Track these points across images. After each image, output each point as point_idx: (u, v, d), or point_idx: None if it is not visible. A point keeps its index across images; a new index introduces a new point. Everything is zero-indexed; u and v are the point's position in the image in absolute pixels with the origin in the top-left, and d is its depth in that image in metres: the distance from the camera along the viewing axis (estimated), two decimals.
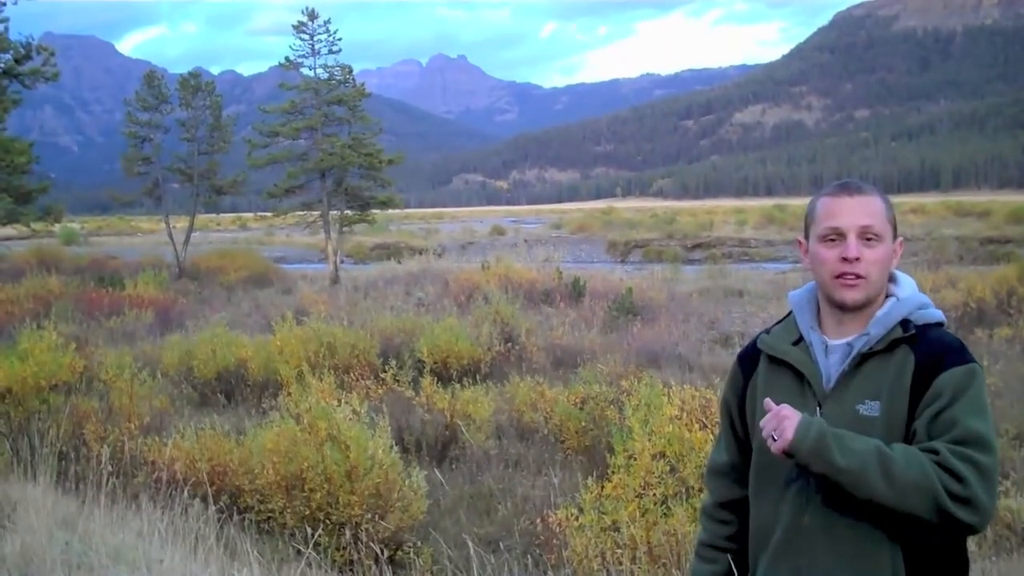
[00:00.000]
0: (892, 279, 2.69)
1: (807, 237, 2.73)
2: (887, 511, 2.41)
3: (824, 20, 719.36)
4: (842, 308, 2.63)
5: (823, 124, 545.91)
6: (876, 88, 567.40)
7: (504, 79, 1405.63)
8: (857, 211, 2.60)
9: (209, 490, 7.43)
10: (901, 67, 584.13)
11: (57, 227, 52.38)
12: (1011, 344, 17.43)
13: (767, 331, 2.85)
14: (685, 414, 7.62)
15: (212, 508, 6.76)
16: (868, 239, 2.58)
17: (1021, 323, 18.95)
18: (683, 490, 6.69)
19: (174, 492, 7.07)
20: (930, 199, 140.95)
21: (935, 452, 2.38)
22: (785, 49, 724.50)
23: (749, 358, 2.87)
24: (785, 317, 2.84)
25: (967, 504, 2.35)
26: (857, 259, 2.56)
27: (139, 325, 23.47)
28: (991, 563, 6.59)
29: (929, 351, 2.52)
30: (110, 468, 7.32)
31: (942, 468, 2.35)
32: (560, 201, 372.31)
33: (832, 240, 2.61)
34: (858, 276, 2.57)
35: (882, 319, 2.59)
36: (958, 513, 2.35)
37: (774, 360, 2.75)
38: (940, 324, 2.63)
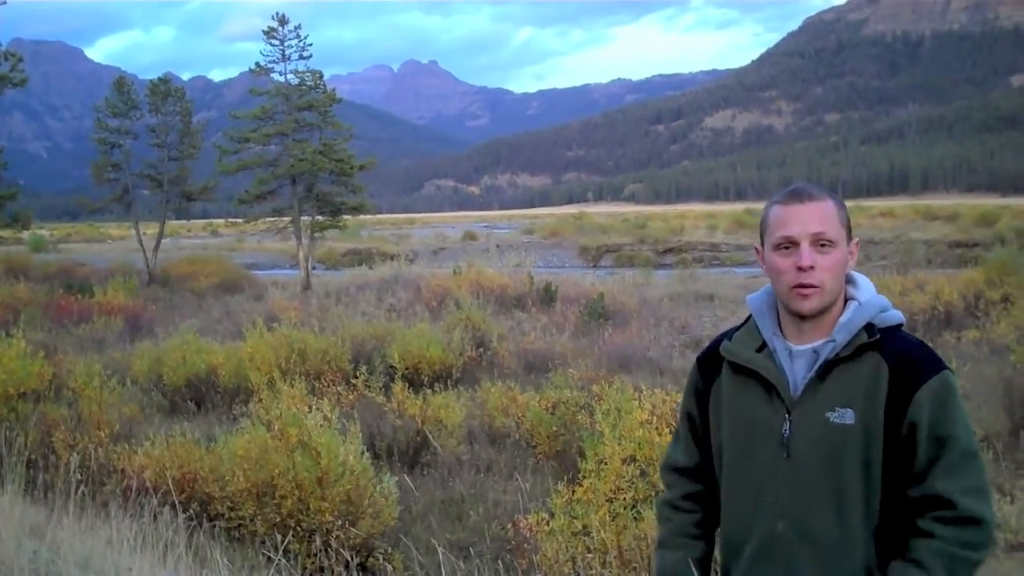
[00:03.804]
0: (850, 281, 2.68)
1: (763, 244, 2.71)
2: (863, 516, 2.48)
3: (795, 25, 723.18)
4: (800, 316, 2.62)
5: (793, 128, 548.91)
6: (845, 92, 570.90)
7: (476, 84, 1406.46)
8: (809, 218, 2.58)
9: (179, 498, 7.40)
10: (870, 71, 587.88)
11: (25, 234, 52.21)
12: (978, 347, 17.54)
13: (728, 336, 2.82)
14: (656, 418, 7.63)
15: (182, 516, 6.72)
16: (822, 245, 2.57)
17: (988, 326, 19.08)
18: (653, 494, 6.69)
19: (144, 500, 7.03)
20: (899, 202, 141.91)
21: (953, 506, 2.43)
22: (755, 54, 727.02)
23: (710, 361, 2.84)
24: (745, 322, 2.82)
25: (987, 542, 2.45)
26: (811, 267, 2.55)
27: (108, 332, 23.31)
28: None
29: (901, 359, 2.52)
30: (79, 476, 7.27)
31: (961, 522, 2.42)
32: (532, 206, 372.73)
33: (786, 249, 2.59)
34: (813, 286, 2.55)
35: (846, 325, 2.58)
36: (980, 557, 2.44)
37: (738, 368, 2.72)
38: (899, 325, 2.63)
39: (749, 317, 2.80)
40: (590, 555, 6.40)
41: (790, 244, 2.59)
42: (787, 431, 2.58)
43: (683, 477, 2.94)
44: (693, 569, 2.82)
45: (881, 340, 2.56)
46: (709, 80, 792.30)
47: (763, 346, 2.70)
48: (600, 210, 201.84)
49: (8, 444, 8.48)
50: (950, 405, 2.48)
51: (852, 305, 2.63)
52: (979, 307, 20.93)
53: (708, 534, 2.89)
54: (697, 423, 2.87)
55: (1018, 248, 31.90)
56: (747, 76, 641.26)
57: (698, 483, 2.90)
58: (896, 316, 2.64)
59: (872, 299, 2.64)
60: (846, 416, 2.51)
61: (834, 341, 2.58)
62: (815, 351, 2.61)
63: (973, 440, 2.49)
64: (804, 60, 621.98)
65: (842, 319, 2.60)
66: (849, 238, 2.65)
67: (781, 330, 2.71)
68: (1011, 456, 10.12)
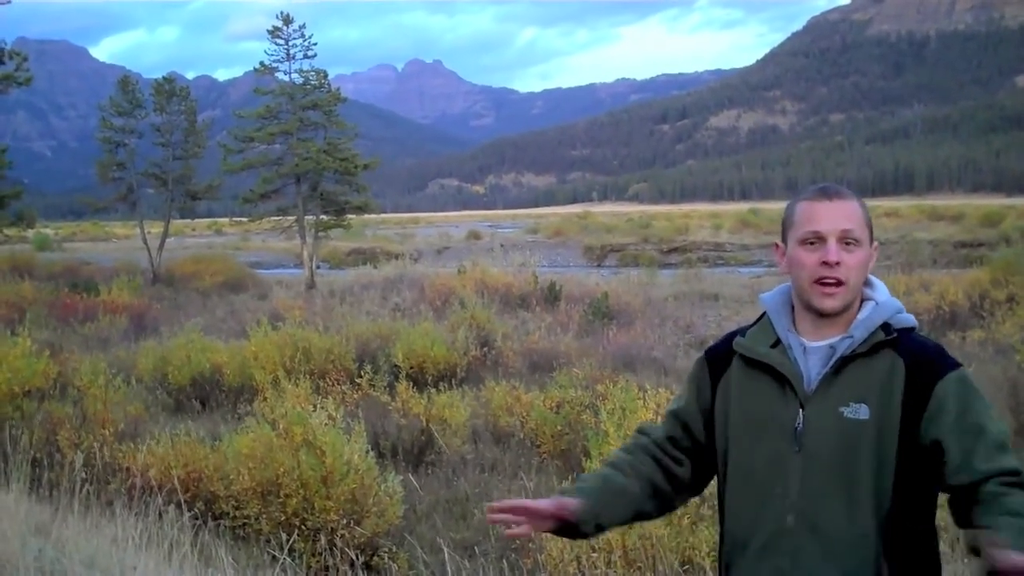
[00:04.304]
0: (866, 283, 2.67)
1: (784, 241, 2.71)
2: (873, 511, 2.47)
3: (800, 25, 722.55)
4: (820, 314, 2.62)
5: (798, 128, 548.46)
6: (850, 92, 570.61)
7: (480, 84, 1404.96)
8: (837, 215, 2.59)
9: (184, 496, 7.40)
10: (875, 71, 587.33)
11: (30, 233, 52.16)
12: (984, 347, 17.54)
13: (741, 333, 2.81)
14: (660, 418, 7.63)
15: (187, 514, 6.73)
16: (848, 243, 2.57)
17: (993, 326, 19.07)
18: None
19: (149, 498, 7.03)
20: (904, 203, 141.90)
21: (1017, 472, 2.43)
22: (760, 54, 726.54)
23: (719, 357, 2.82)
24: (758, 319, 2.81)
25: None
26: (837, 263, 2.55)
27: (113, 331, 23.34)
28: (964, 565, 6.63)
29: (917, 357, 2.53)
30: (84, 475, 7.28)
31: None
32: (536, 206, 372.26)
33: (812, 244, 2.59)
34: (839, 281, 2.56)
35: (865, 322, 2.58)
36: None
37: (751, 363, 2.71)
38: (912, 328, 2.63)
39: (762, 315, 2.79)
40: (595, 554, 6.41)
41: (817, 239, 2.59)
42: (800, 425, 2.57)
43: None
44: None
45: (897, 339, 2.57)
46: (714, 80, 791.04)
47: (777, 342, 2.70)
48: (605, 209, 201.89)
49: (13, 443, 8.49)
50: (974, 398, 2.49)
51: (869, 304, 2.63)
52: (984, 307, 20.91)
53: (656, 496, 2.85)
54: (694, 427, 2.85)
55: (1023, 248, 31.87)
56: (752, 76, 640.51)
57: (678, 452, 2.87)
58: (910, 319, 2.64)
59: (888, 300, 2.65)
60: (860, 411, 2.51)
61: (851, 337, 2.57)
62: (831, 347, 2.60)
63: (1006, 431, 2.52)
64: (809, 60, 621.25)
65: (860, 316, 2.61)
66: (871, 240, 2.66)
67: (796, 328, 2.70)
68: (1016, 456, 10.11)
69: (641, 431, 2.99)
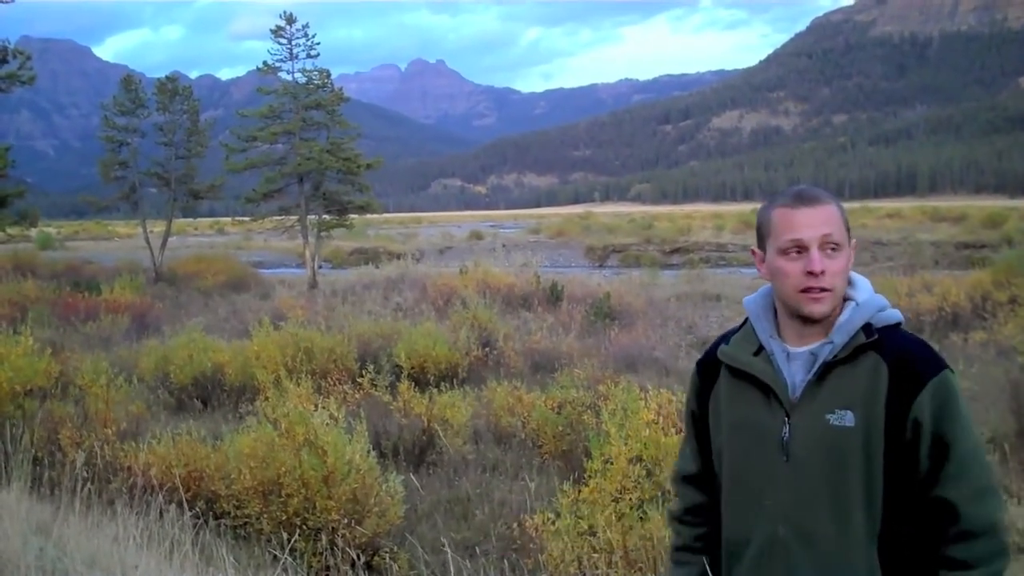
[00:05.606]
0: (848, 281, 2.63)
1: (762, 247, 2.67)
2: (864, 519, 2.46)
3: (803, 26, 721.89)
4: (807, 320, 2.58)
5: (800, 129, 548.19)
6: (853, 93, 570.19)
7: (483, 84, 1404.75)
8: (817, 221, 2.53)
9: (185, 496, 7.39)
10: (878, 72, 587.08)
11: (33, 232, 52.21)
12: (985, 348, 17.50)
13: (726, 340, 2.79)
14: (662, 418, 7.61)
15: (188, 514, 6.73)
16: (831, 249, 2.53)
17: (995, 327, 19.04)
18: (659, 494, 6.70)
19: (150, 498, 7.02)
20: (906, 204, 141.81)
21: (957, 516, 2.46)
22: (763, 55, 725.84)
23: (709, 365, 2.81)
24: (743, 324, 2.78)
25: (1001, 550, 2.50)
26: (823, 272, 2.50)
27: (115, 330, 23.33)
28: None
29: (901, 359, 2.49)
30: (85, 474, 7.28)
31: (970, 536, 2.45)
32: (538, 206, 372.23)
33: (797, 252, 2.54)
34: (825, 289, 2.52)
35: (844, 326, 2.54)
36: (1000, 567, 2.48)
37: (736, 372, 2.69)
38: (898, 324, 2.60)
39: (746, 320, 2.77)
40: (596, 555, 6.40)
41: (800, 248, 2.54)
42: (786, 434, 2.55)
43: (688, 487, 2.92)
44: None
45: (880, 340, 2.52)
46: (717, 80, 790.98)
47: (760, 349, 2.67)
48: (607, 210, 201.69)
49: (14, 441, 8.48)
50: (950, 406, 2.44)
51: (850, 305, 2.58)
52: (986, 308, 20.89)
53: (713, 547, 2.86)
54: (699, 426, 2.85)
55: None
56: (755, 76, 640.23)
57: (703, 493, 2.87)
58: (894, 315, 2.60)
59: (870, 299, 2.59)
60: (846, 418, 2.48)
61: (832, 343, 2.54)
62: (812, 353, 2.57)
63: (979, 442, 2.49)
64: (812, 61, 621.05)
65: (840, 320, 2.56)
66: (849, 239, 2.61)
67: (779, 332, 2.67)
68: (1018, 457, 10.09)
69: (672, 515, 3.04)
